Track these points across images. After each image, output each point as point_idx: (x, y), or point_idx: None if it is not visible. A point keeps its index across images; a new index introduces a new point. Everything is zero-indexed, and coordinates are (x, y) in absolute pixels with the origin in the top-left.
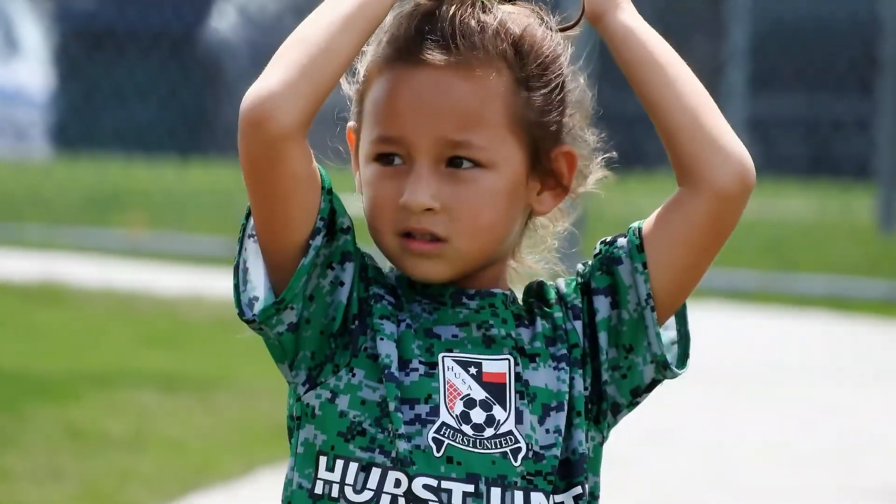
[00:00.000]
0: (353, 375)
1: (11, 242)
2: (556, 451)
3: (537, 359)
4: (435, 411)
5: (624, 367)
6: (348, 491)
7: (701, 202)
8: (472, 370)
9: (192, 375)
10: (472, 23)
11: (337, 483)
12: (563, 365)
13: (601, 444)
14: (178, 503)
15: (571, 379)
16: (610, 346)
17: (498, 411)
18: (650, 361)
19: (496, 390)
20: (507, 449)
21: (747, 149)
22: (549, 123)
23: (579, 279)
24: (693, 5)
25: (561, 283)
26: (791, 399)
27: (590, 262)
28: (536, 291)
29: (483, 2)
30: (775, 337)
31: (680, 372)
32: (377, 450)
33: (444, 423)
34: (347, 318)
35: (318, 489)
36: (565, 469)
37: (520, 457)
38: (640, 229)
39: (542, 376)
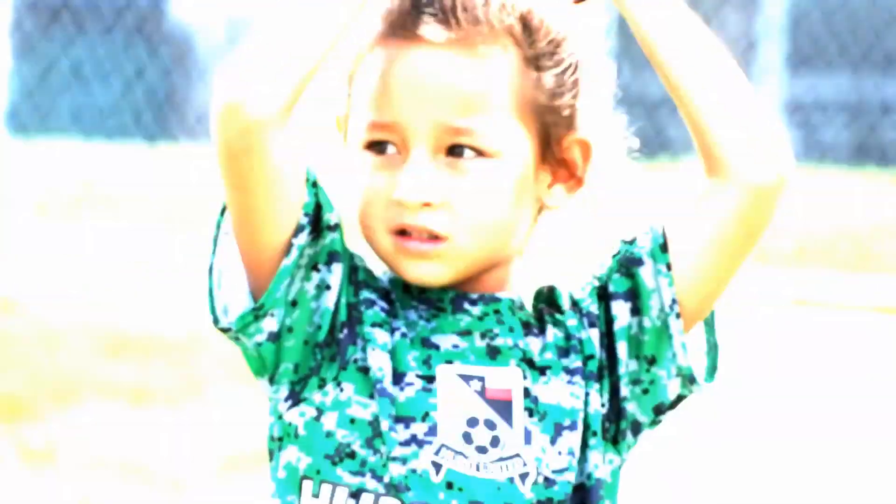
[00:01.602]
0: (342, 390)
1: None
2: (570, 476)
3: (548, 372)
4: (433, 431)
5: (646, 381)
6: None
7: (732, 195)
8: (475, 384)
9: (161, 390)
10: None
11: None
12: (577, 379)
13: (620, 467)
14: None
15: (586, 394)
16: (630, 358)
17: (504, 431)
18: (675, 375)
19: (502, 407)
20: (515, 473)
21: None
22: (561, 107)
23: (595, 282)
24: None
25: (575, 286)
26: (827, 416)
27: (607, 264)
28: (547, 296)
29: None
30: (815, 346)
31: (708, 386)
32: (368, 474)
33: (443, 445)
34: (335, 327)
35: None
36: (580, 496)
37: (528, 482)
38: (663, 226)
39: (554, 391)
